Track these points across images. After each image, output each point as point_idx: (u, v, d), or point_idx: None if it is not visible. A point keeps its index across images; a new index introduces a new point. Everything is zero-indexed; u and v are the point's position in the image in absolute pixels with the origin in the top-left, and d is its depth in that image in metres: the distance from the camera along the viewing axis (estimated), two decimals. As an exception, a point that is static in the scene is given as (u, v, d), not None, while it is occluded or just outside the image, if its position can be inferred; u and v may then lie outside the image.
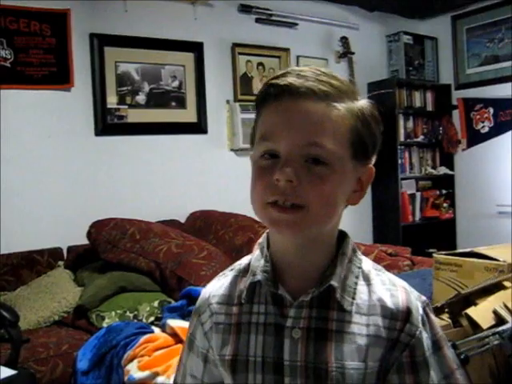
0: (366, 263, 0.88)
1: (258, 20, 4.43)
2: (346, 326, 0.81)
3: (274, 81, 0.81)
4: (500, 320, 1.36)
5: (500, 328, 1.31)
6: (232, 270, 0.94)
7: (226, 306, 0.90)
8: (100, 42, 3.73)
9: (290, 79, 0.79)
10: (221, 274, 0.96)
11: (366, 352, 0.80)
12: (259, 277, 0.85)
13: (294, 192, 0.77)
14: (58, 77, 3.55)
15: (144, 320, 2.81)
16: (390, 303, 0.82)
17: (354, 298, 0.83)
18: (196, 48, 4.14)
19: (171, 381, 2.06)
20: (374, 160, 0.86)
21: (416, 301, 0.84)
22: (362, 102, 0.83)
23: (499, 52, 4.86)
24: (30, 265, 3.30)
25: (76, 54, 3.62)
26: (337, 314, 0.82)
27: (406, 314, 0.81)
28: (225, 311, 0.90)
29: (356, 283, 0.84)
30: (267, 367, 0.83)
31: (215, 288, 0.93)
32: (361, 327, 0.81)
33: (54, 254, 3.41)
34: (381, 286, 0.84)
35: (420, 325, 0.81)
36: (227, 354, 0.87)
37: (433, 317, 0.86)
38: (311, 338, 0.81)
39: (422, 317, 0.83)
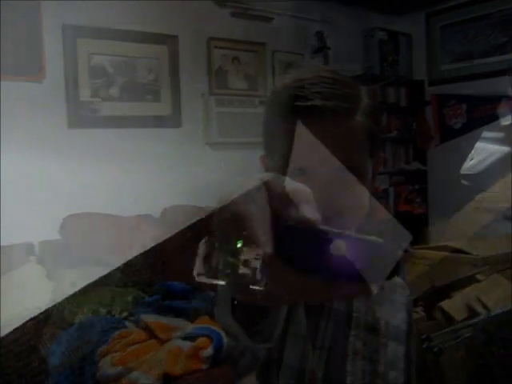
0: None
1: (233, 14, 4.41)
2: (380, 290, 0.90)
3: (297, 102, 0.80)
4: (473, 312, 1.37)
5: (473, 320, 1.32)
6: None
7: None
8: (73, 33, 3.66)
9: (314, 102, 0.79)
10: None
11: (396, 314, 0.92)
12: None
13: (329, 202, 0.81)
14: (29, 68, 3.48)
15: (117, 315, 2.78)
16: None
17: None
18: (171, 41, 4.10)
19: (145, 378, 2.05)
20: None
21: None
22: (364, 95, 0.85)
23: (473, 49, 4.92)
24: (1, 260, 3.24)
25: (48, 45, 3.55)
26: None
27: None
28: None
29: None
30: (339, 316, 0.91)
31: None
32: (387, 293, 0.93)
33: (25, 249, 3.35)
34: None
35: None
36: None
37: None
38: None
39: None
